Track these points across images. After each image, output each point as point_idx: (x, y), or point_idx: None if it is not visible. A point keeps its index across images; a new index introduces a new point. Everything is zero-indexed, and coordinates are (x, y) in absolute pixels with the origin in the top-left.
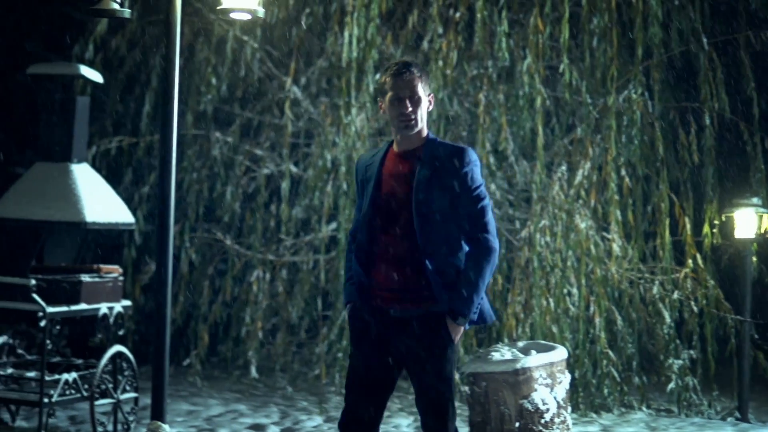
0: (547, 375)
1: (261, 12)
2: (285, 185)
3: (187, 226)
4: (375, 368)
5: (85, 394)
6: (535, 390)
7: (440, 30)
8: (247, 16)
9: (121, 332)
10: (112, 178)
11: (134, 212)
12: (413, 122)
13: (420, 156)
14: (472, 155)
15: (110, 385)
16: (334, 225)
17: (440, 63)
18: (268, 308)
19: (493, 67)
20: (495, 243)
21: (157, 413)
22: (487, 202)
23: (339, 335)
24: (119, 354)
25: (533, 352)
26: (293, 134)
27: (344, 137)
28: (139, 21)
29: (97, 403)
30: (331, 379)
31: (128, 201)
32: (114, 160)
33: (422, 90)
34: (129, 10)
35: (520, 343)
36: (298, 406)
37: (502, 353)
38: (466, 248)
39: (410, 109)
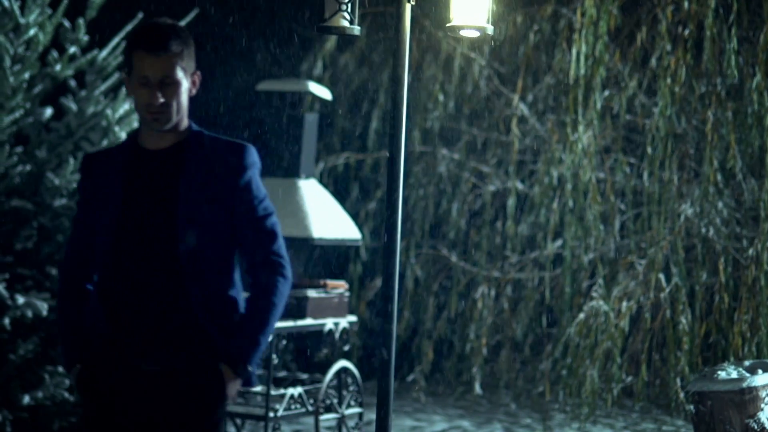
0: None
1: (490, 29)
2: (511, 202)
3: (413, 243)
4: None
5: (310, 408)
6: (761, 409)
7: (669, 47)
8: (476, 34)
9: (346, 347)
10: (339, 194)
11: (360, 228)
12: (164, 116)
13: (183, 156)
14: (254, 155)
15: (335, 400)
16: (559, 242)
17: (668, 80)
18: (492, 325)
19: (722, 84)
20: (290, 272)
21: (382, 428)
22: (276, 218)
23: (564, 353)
24: (344, 369)
25: (760, 371)
26: (519, 151)
27: (570, 154)
28: (367, 38)
29: (321, 417)
30: (555, 397)
31: (354, 217)
32: (341, 176)
33: (182, 71)
34: (358, 27)
35: (747, 362)
36: (522, 423)
37: (728, 372)
38: (238, 278)
39: (161, 100)
